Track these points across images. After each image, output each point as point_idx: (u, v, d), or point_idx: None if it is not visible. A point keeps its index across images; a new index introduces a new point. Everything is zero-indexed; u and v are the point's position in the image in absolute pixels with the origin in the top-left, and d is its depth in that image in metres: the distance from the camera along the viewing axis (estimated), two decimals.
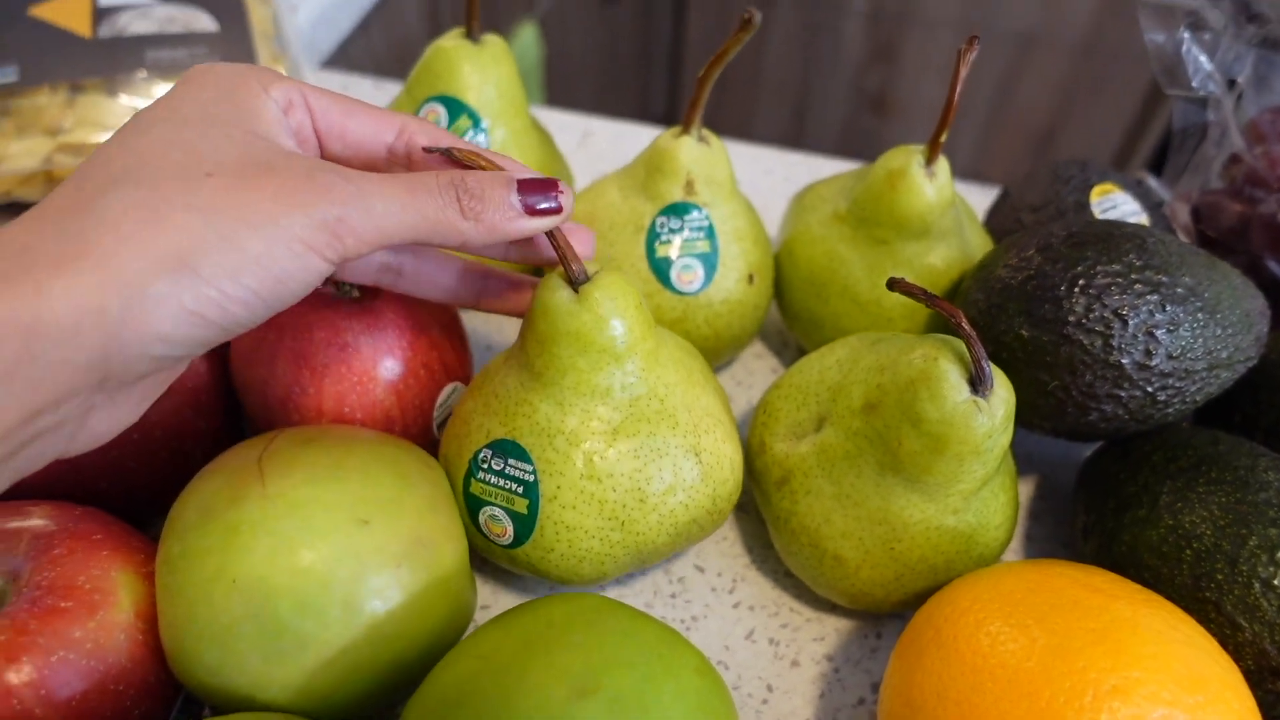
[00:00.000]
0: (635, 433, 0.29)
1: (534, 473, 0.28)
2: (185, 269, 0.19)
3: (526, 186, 0.25)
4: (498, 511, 0.29)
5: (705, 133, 0.36)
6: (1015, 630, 0.24)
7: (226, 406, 0.33)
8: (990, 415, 0.27)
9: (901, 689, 0.25)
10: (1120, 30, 1.41)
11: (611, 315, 0.27)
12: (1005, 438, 0.28)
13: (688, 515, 0.30)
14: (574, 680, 0.23)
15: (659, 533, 0.29)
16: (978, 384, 0.27)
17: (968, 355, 0.27)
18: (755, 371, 0.42)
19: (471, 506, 0.30)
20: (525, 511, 0.29)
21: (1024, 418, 0.32)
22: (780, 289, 0.39)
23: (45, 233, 0.19)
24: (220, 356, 0.33)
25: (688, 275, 0.35)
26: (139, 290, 0.19)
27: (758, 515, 0.36)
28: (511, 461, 0.29)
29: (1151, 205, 0.39)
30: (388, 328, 0.31)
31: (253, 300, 0.21)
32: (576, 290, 0.27)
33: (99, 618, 0.25)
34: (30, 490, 0.28)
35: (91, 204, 0.19)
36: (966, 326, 0.26)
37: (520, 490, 0.29)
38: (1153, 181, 0.44)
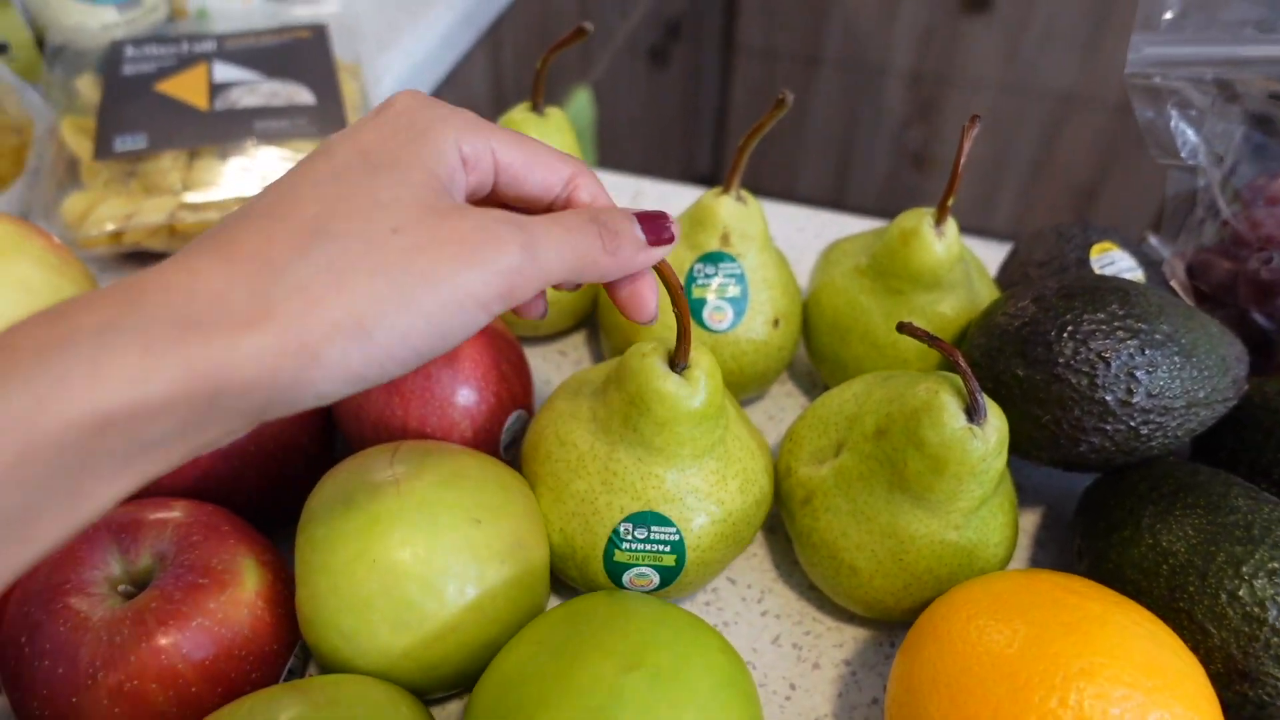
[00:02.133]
0: (737, 473, 0.34)
1: (678, 532, 0.33)
2: (361, 332, 0.20)
3: (645, 220, 0.27)
4: (645, 570, 0.34)
5: (743, 193, 0.41)
6: (1000, 623, 0.28)
7: (325, 428, 0.39)
8: (984, 440, 0.31)
9: (903, 677, 0.29)
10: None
11: (715, 390, 0.32)
12: (999, 461, 0.32)
13: (753, 531, 0.36)
14: (620, 658, 0.27)
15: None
16: (973, 413, 0.31)
17: (964, 389, 0.31)
18: (786, 408, 0.46)
19: (614, 572, 0.34)
20: (674, 564, 0.34)
21: (1023, 449, 0.36)
22: (808, 333, 0.44)
23: (237, 285, 0.20)
24: None
25: (719, 315, 0.40)
26: (314, 354, 0.20)
27: (785, 536, 0.41)
28: (654, 529, 0.33)
29: (1152, 263, 0.43)
30: (464, 361, 0.37)
31: (411, 359, 0.22)
32: (679, 373, 0.31)
33: (228, 594, 0.30)
34: (167, 490, 0.34)
35: (284, 266, 0.20)
36: (962, 363, 0.30)
37: (668, 549, 0.33)
38: (1154, 241, 0.47)
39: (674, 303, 0.30)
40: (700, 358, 0.32)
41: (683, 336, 0.31)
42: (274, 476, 0.36)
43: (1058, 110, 1.60)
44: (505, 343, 0.39)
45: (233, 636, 0.29)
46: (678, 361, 0.32)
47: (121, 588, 0.30)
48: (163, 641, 0.28)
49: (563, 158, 0.27)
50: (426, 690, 0.31)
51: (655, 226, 0.27)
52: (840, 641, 0.37)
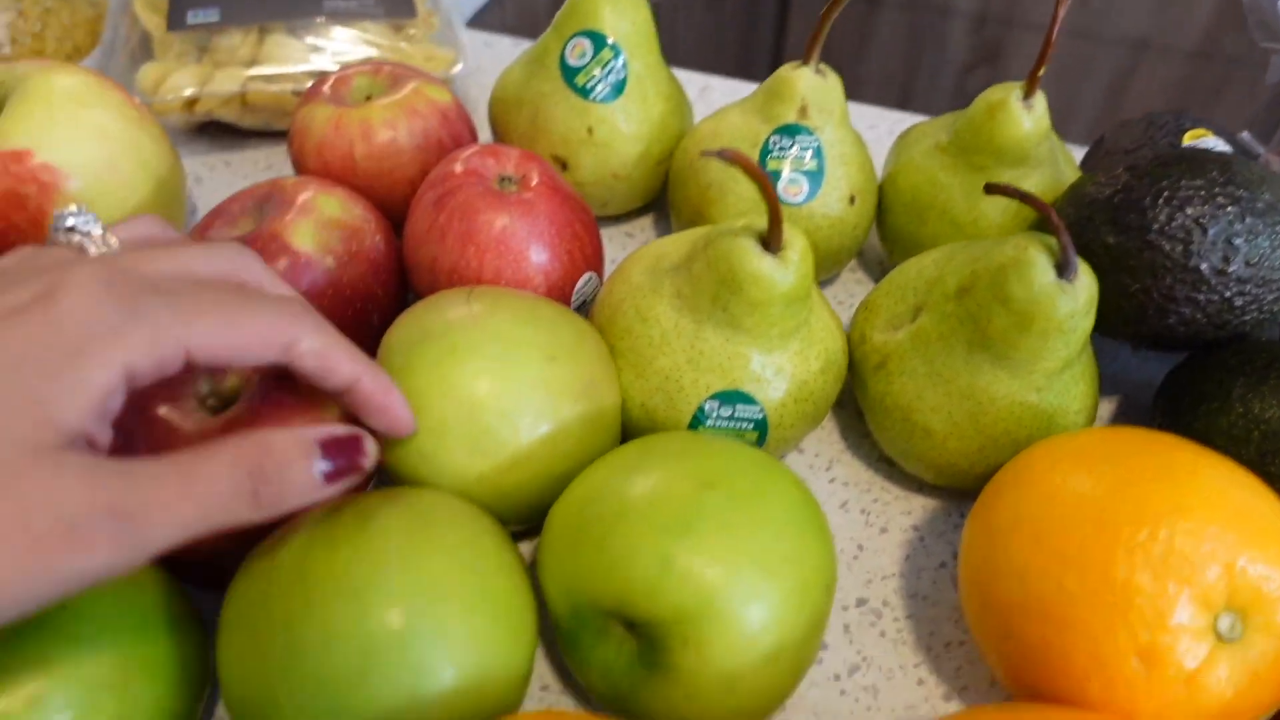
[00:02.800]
0: (819, 354, 0.34)
1: (762, 410, 0.33)
2: None
3: (331, 447, 0.23)
4: None
5: (823, 66, 0.40)
6: (1085, 470, 0.27)
7: (399, 280, 0.39)
8: (1073, 297, 0.30)
9: (982, 517, 0.29)
10: (1238, 37, 1.39)
11: (808, 272, 0.31)
12: (1086, 321, 0.31)
13: (829, 407, 0.36)
14: (699, 478, 0.27)
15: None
16: (1064, 269, 0.30)
17: (1056, 247, 0.30)
18: (855, 294, 0.46)
19: None
20: (755, 441, 0.34)
21: (1108, 323, 0.35)
22: (882, 215, 0.43)
23: None
24: (395, 235, 0.39)
25: (794, 188, 0.40)
26: None
27: (853, 410, 0.40)
28: (739, 407, 0.33)
29: (1248, 154, 0.41)
30: (540, 218, 0.36)
31: None
32: (776, 255, 0.31)
33: (312, 416, 0.30)
34: None
35: None
36: (1055, 217, 0.29)
37: (751, 427, 0.33)
38: (1248, 137, 0.46)
39: (761, 190, 0.29)
40: (794, 238, 0.31)
41: (774, 221, 0.30)
42: (348, 322, 0.36)
43: (1129, 57, 1.55)
44: (577, 203, 0.38)
45: None
46: (771, 244, 0.31)
47: (210, 402, 0.30)
48: None
49: (281, 327, 0.23)
50: (499, 518, 0.31)
51: (345, 451, 0.23)
52: (908, 510, 0.37)
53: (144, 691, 0.26)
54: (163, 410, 0.29)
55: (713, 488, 0.27)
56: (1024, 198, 0.30)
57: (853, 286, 0.46)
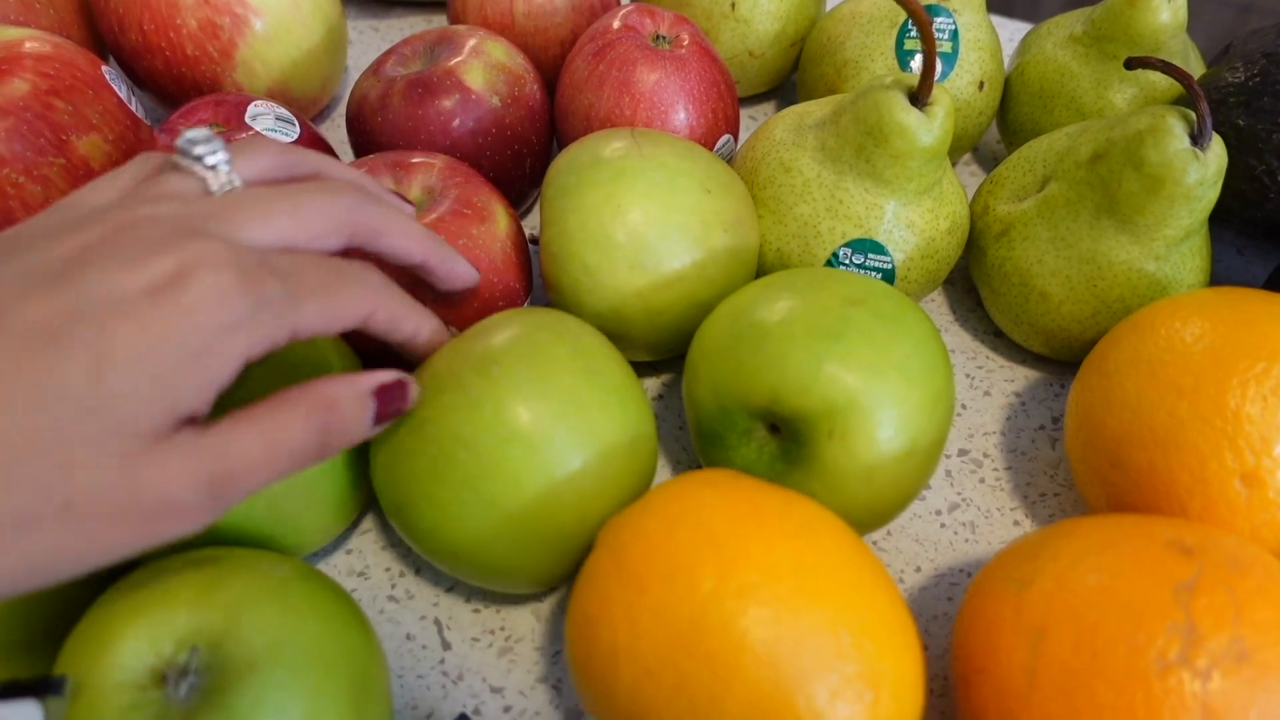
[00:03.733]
0: (948, 215, 0.36)
1: (891, 261, 0.35)
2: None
3: (383, 396, 0.25)
4: None
5: None
6: (1204, 317, 0.29)
7: (549, 129, 0.42)
8: (1204, 166, 0.32)
9: (1097, 361, 0.31)
10: None
11: (950, 129, 0.33)
12: (1213, 192, 0.33)
13: (947, 272, 0.38)
14: (844, 297, 0.30)
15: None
16: (1199, 138, 0.32)
17: (1192, 117, 0.32)
18: (969, 186, 0.48)
19: None
20: None
21: (1226, 209, 0.37)
22: (1006, 106, 0.45)
23: None
24: (549, 87, 0.42)
25: None
26: None
27: (961, 287, 0.43)
28: (871, 255, 0.35)
29: None
30: (691, 75, 0.39)
31: None
32: (922, 109, 0.33)
33: (486, 226, 0.33)
34: (425, 147, 0.37)
35: None
36: (1196, 86, 0.31)
37: (879, 276, 0.35)
38: None
39: (922, 39, 0.31)
40: (941, 95, 0.33)
41: (927, 73, 0.32)
42: (507, 161, 0.39)
43: (1232, 22, 1.49)
44: (722, 67, 0.41)
45: (489, 262, 0.33)
46: (920, 97, 0.33)
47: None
48: None
49: (365, 301, 0.25)
50: (644, 336, 0.34)
51: (393, 398, 0.26)
52: (1011, 378, 0.39)
53: (330, 486, 0.30)
54: None
55: (858, 305, 0.29)
56: (1166, 68, 0.32)
57: (966, 179, 0.48)
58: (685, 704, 0.23)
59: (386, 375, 0.26)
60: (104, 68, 0.38)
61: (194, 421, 0.21)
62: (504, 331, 0.29)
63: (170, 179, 0.25)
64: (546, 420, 0.27)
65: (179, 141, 0.25)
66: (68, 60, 0.36)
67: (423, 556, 0.30)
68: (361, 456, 0.31)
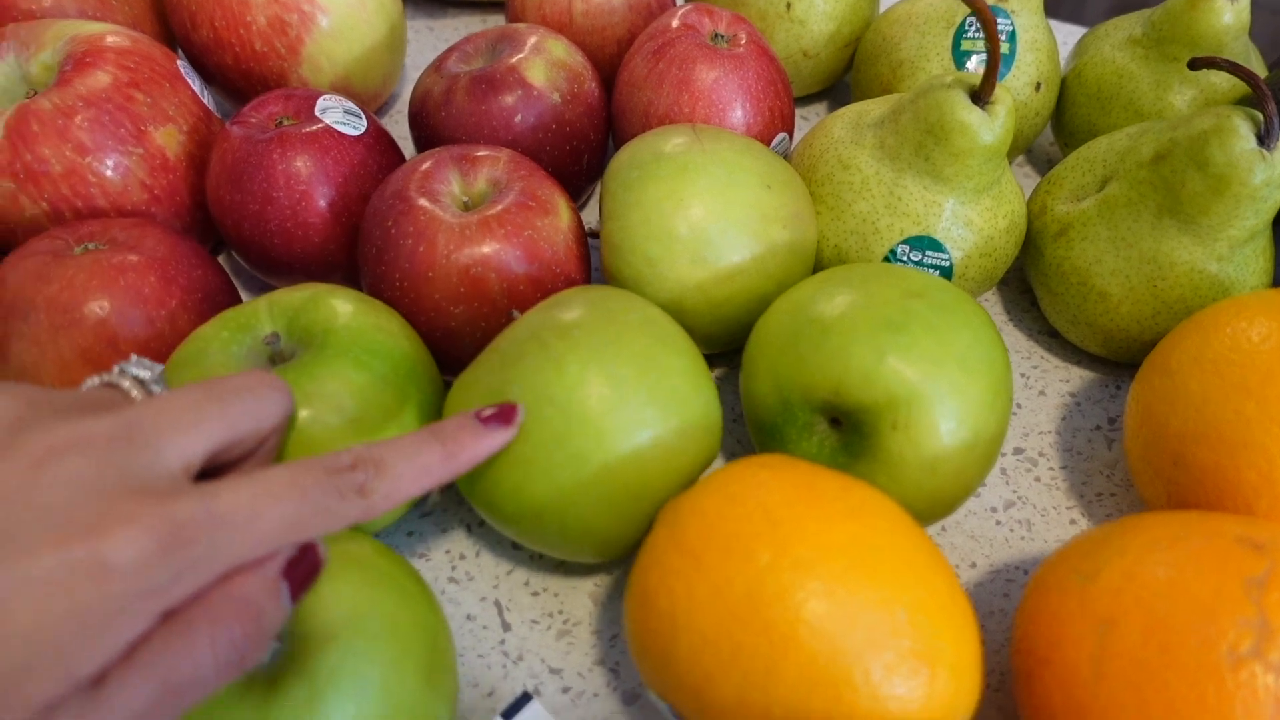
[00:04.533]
0: (1006, 214, 0.36)
1: (949, 259, 0.36)
2: None
3: (294, 569, 0.22)
4: None
5: None
6: (1270, 317, 0.29)
7: (607, 126, 0.42)
8: (1271, 166, 0.32)
9: (1159, 360, 0.31)
10: None
11: (1011, 128, 0.33)
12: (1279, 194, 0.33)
13: (1003, 271, 0.38)
14: (904, 290, 0.30)
15: None
16: (1266, 138, 0.32)
17: (1258, 118, 0.32)
18: (1025, 188, 0.48)
19: None
20: None
21: None
22: (1062, 107, 0.45)
23: None
24: (607, 85, 0.42)
25: (983, 70, 0.41)
26: None
27: (1016, 287, 0.43)
28: (929, 253, 0.35)
29: None
30: (749, 74, 0.39)
31: None
32: (984, 108, 0.33)
33: (550, 219, 0.34)
34: (489, 140, 0.38)
35: None
36: (1263, 85, 0.31)
37: (936, 274, 0.36)
38: None
39: (987, 37, 0.31)
40: (1003, 94, 0.33)
41: (991, 71, 0.32)
42: (565, 157, 0.40)
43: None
44: (779, 66, 0.41)
45: (552, 254, 0.34)
46: (982, 96, 0.33)
47: (465, 200, 0.34)
48: (502, 241, 0.33)
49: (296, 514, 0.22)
50: (703, 329, 0.35)
51: (304, 570, 0.22)
52: (1066, 378, 0.39)
53: (412, 423, 0.30)
54: (424, 203, 0.33)
55: (918, 297, 0.30)
56: (1233, 68, 0.32)
57: (1020, 181, 0.48)
58: (741, 673, 0.23)
59: (287, 549, 0.22)
60: (178, 61, 0.39)
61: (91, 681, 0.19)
62: (578, 300, 0.30)
63: (95, 393, 0.23)
64: (629, 377, 0.27)
65: (118, 369, 0.24)
66: (146, 54, 0.37)
67: (497, 525, 0.30)
68: None
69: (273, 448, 0.26)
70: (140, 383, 0.24)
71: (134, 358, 0.24)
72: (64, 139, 0.34)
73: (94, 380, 0.24)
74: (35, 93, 0.36)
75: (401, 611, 0.25)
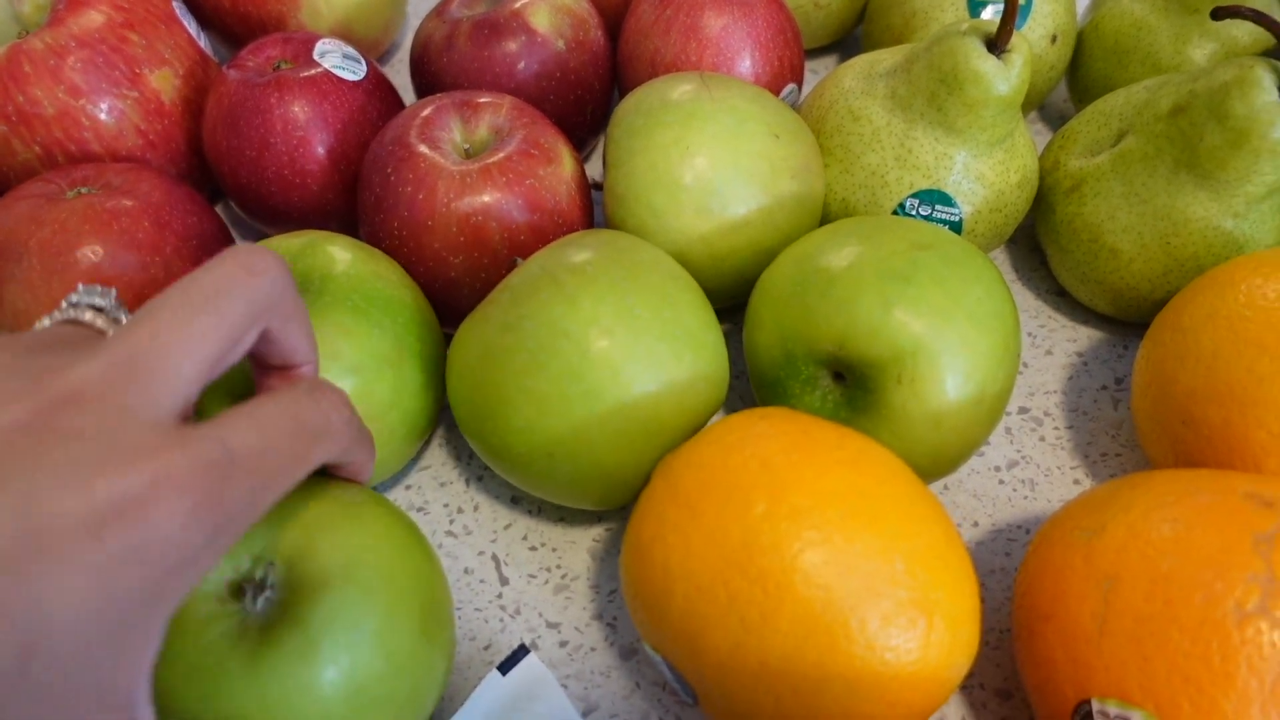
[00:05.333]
0: (1019, 168, 0.35)
1: (959, 213, 0.35)
2: None
3: None
4: None
5: None
6: None
7: (612, 75, 0.41)
8: None
9: (1170, 317, 0.31)
10: None
11: (1027, 78, 0.32)
12: None
13: (1012, 228, 0.37)
14: (912, 241, 0.29)
15: None
16: None
17: None
18: (1036, 144, 0.47)
19: None
20: None
21: None
22: (1078, 61, 0.44)
23: None
24: (612, 33, 0.42)
25: (998, 18, 0.40)
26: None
27: (1025, 246, 0.42)
28: (939, 207, 0.35)
29: None
30: (759, 22, 0.38)
31: None
32: (999, 57, 0.32)
33: (552, 168, 0.33)
34: (491, 87, 0.37)
35: None
36: None
37: (946, 228, 0.35)
38: None
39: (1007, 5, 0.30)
40: (1019, 43, 0.32)
41: (1008, 17, 0.31)
42: (570, 106, 0.39)
43: None
44: (789, 14, 0.40)
45: (554, 203, 0.33)
46: (998, 44, 0.32)
47: (466, 147, 0.34)
48: (502, 190, 0.32)
49: (329, 452, 0.22)
50: (706, 282, 0.34)
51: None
52: (1074, 338, 0.39)
53: (411, 372, 0.30)
54: (425, 149, 0.33)
55: (927, 249, 0.29)
56: (1258, 17, 0.31)
57: (1032, 138, 0.47)
58: (736, 620, 0.23)
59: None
60: (174, 2, 0.38)
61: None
62: (588, 240, 0.29)
63: (58, 331, 0.20)
64: (643, 313, 0.27)
65: (78, 294, 0.21)
66: None
67: (502, 469, 0.29)
68: (428, 386, 0.31)
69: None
70: (100, 311, 0.21)
71: (81, 287, 0.22)
72: (57, 80, 0.33)
73: (45, 321, 0.21)
74: (27, 33, 0.35)
75: (398, 562, 0.24)
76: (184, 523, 0.17)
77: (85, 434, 0.17)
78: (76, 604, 0.15)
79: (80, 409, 0.17)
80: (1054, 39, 0.41)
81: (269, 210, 0.37)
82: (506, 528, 0.33)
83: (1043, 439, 0.36)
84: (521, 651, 0.27)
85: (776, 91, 0.40)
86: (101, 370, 0.18)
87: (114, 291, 0.22)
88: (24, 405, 0.17)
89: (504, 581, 0.32)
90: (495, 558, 0.32)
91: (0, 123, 0.33)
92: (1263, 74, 0.31)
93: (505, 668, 0.26)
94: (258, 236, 0.42)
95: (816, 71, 0.50)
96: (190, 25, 0.39)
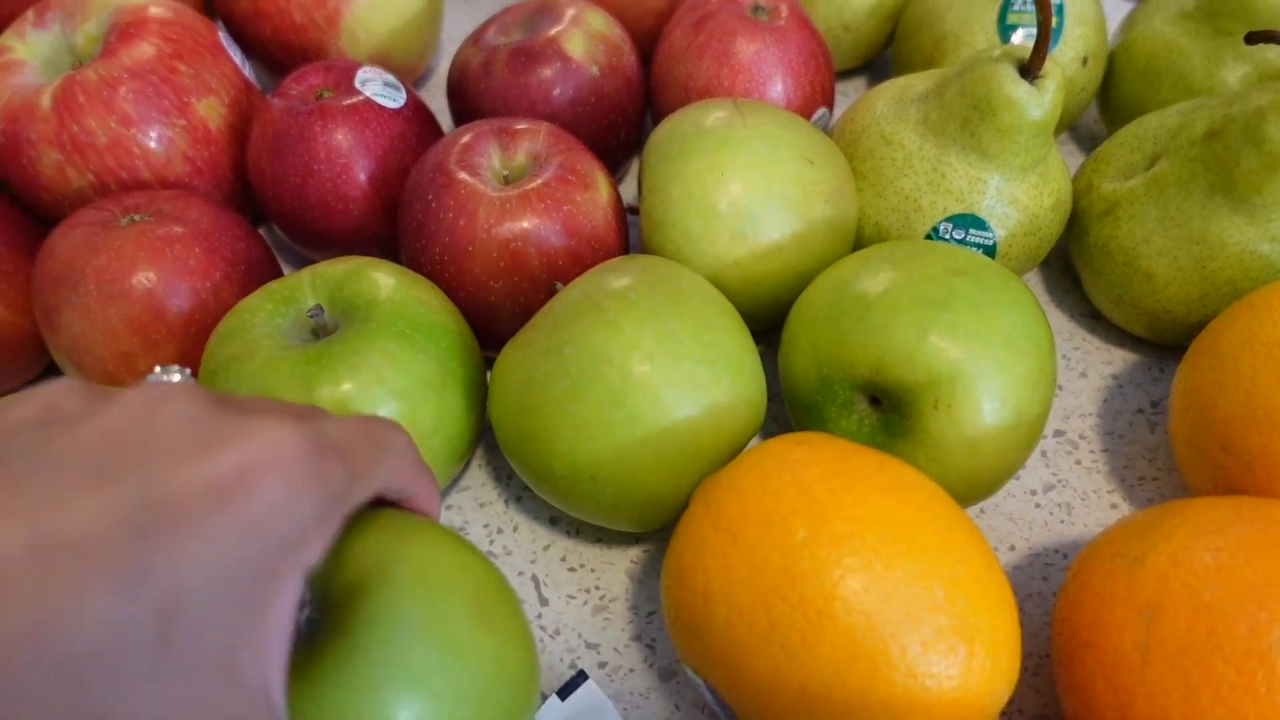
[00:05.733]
0: (1053, 192, 0.35)
1: (993, 237, 0.35)
2: None
3: None
4: None
5: None
6: None
7: (644, 100, 0.42)
8: None
9: (1208, 342, 0.31)
10: None
11: (1060, 104, 0.33)
12: None
13: (1046, 251, 0.38)
14: (948, 267, 0.30)
15: None
16: None
17: None
18: (1070, 165, 0.47)
19: None
20: None
21: None
22: (1109, 83, 0.44)
23: None
24: (645, 58, 0.42)
25: (1030, 43, 0.41)
26: None
27: (1057, 268, 0.42)
28: (972, 231, 0.35)
29: None
30: (790, 47, 0.39)
31: None
32: (1032, 83, 0.32)
33: (589, 194, 0.34)
34: (527, 114, 0.38)
35: None
36: None
37: (979, 252, 0.35)
38: None
39: (1039, 9, 0.30)
40: (1052, 69, 0.33)
41: (1041, 44, 0.31)
42: (603, 130, 0.40)
43: None
44: (820, 39, 0.41)
45: (592, 229, 0.34)
46: (1030, 70, 0.32)
47: (505, 173, 0.34)
48: (541, 216, 0.32)
49: (398, 467, 0.23)
50: (741, 307, 0.34)
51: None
52: (1109, 360, 0.39)
53: (454, 396, 0.30)
54: (465, 176, 0.33)
55: (962, 275, 0.29)
56: None
57: (1065, 159, 0.47)
58: (778, 646, 0.23)
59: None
60: (219, 33, 0.39)
61: None
62: (628, 266, 0.30)
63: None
64: (683, 338, 0.28)
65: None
66: (188, 25, 0.37)
67: (544, 490, 0.30)
68: (470, 409, 0.32)
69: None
70: None
71: (158, 368, 0.22)
72: (109, 110, 0.35)
73: None
74: (81, 64, 0.36)
75: (433, 554, 0.24)
76: (297, 490, 0.17)
77: (197, 418, 0.18)
78: (209, 568, 0.16)
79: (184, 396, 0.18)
80: (1085, 61, 0.42)
81: (312, 235, 0.38)
82: (546, 548, 0.34)
83: (1079, 462, 0.36)
84: (580, 677, 0.27)
85: (808, 115, 0.40)
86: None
87: (189, 370, 0.23)
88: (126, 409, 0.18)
89: (544, 602, 0.32)
90: (535, 578, 0.33)
91: (56, 151, 0.34)
92: None
93: (564, 693, 0.26)
94: (301, 261, 0.43)
95: (846, 94, 0.50)
96: (235, 54, 0.40)
